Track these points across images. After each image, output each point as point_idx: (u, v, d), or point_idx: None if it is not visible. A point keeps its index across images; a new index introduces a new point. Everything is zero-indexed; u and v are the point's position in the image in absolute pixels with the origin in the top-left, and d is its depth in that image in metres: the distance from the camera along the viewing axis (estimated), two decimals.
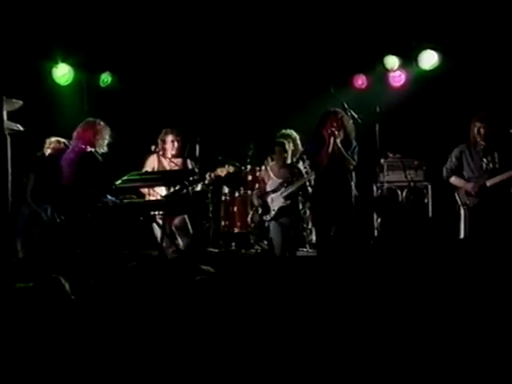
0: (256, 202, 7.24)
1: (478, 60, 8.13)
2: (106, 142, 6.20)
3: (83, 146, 6.10)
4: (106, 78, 9.14)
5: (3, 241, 4.59)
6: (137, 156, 7.25)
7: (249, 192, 7.64)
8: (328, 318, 3.76)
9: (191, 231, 6.86)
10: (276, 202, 6.93)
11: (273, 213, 6.93)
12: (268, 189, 7.06)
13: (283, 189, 6.92)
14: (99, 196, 5.94)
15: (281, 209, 6.89)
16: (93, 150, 6.08)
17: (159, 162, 7.05)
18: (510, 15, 7.68)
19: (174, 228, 6.88)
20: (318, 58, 8.62)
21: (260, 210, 7.11)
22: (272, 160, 7.24)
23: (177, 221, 6.89)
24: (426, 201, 8.01)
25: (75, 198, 5.90)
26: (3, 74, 6.83)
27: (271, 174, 7.10)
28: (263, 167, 7.42)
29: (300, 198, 7.07)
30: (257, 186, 7.42)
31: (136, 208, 6.29)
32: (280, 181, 6.99)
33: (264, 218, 7.02)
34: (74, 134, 6.26)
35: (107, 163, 6.24)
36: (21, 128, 4.92)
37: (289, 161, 7.18)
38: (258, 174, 7.57)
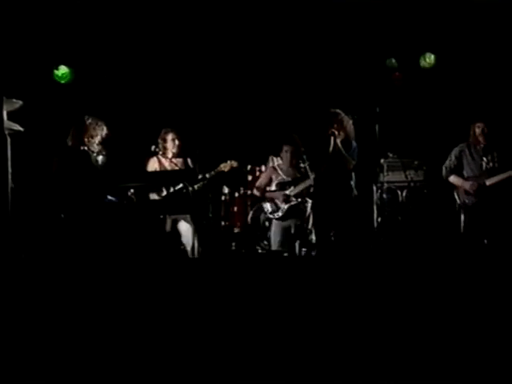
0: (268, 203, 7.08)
1: (477, 60, 8.15)
2: (98, 138, 6.11)
3: (76, 145, 6.10)
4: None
5: (3, 240, 4.59)
6: (137, 156, 7.24)
7: (248, 192, 7.61)
8: (328, 318, 3.76)
9: (194, 234, 6.83)
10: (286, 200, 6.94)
11: (282, 211, 6.93)
12: (274, 187, 7.06)
13: (292, 187, 6.94)
14: (97, 195, 5.94)
15: (290, 208, 6.90)
16: (85, 148, 6.05)
17: (160, 162, 7.03)
18: (509, 16, 7.69)
19: (179, 230, 6.88)
20: (317, 58, 8.63)
21: (270, 209, 7.05)
22: (279, 158, 7.22)
23: (180, 224, 6.89)
24: (425, 201, 8.01)
25: (74, 196, 5.90)
26: (3, 73, 6.83)
27: (280, 173, 7.10)
28: (269, 165, 7.41)
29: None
30: (258, 183, 7.35)
31: (137, 208, 6.29)
32: (289, 179, 7.01)
33: (273, 216, 6.98)
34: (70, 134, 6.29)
35: (107, 164, 6.23)
36: (20, 128, 4.92)
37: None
38: (263, 169, 7.52)
